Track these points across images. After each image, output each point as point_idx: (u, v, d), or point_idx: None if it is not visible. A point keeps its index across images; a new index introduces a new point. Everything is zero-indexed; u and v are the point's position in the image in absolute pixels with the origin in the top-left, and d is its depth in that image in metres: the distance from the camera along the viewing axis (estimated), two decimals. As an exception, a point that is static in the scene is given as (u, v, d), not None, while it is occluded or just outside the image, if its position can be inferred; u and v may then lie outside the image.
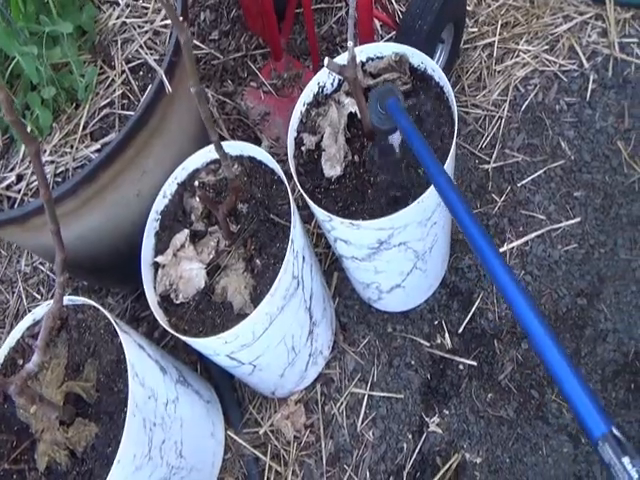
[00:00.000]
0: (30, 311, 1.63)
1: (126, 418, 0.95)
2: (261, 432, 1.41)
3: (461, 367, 1.43)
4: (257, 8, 1.65)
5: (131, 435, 0.96)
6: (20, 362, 1.07)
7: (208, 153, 1.18)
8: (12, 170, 1.13)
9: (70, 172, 1.09)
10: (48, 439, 0.96)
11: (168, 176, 1.16)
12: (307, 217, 1.61)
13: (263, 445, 1.41)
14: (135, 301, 1.64)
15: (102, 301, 1.11)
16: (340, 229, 1.11)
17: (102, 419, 0.99)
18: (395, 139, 1.08)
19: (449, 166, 1.10)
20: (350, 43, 0.97)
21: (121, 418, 0.98)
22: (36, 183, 1.09)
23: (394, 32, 1.72)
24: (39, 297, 1.74)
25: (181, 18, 0.67)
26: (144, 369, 1.04)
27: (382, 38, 1.81)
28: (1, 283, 1.79)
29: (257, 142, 1.70)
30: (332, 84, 1.20)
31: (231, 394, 1.45)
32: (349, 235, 1.13)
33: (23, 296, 1.75)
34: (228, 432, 1.42)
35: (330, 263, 1.58)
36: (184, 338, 1.03)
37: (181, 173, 1.18)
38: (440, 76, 1.14)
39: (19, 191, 1.10)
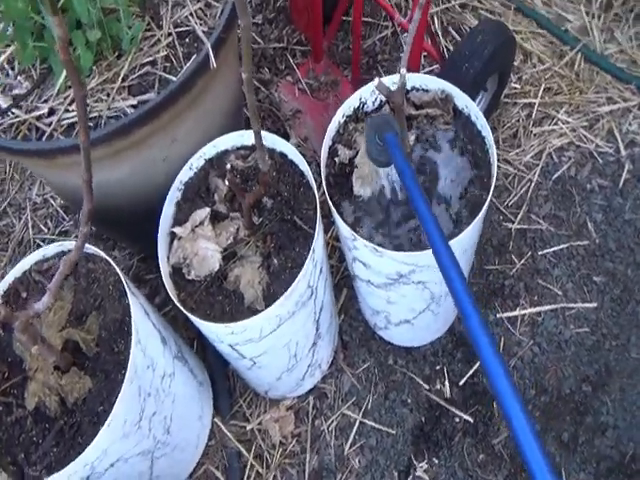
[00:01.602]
0: (35, 242, 1.57)
1: (124, 382, 0.86)
2: (248, 428, 1.30)
3: (457, 420, 1.29)
4: (305, 4, 1.52)
5: (125, 400, 0.88)
6: (24, 295, 0.97)
7: (240, 137, 1.09)
8: (45, 102, 1.02)
9: (103, 120, 1.00)
10: (41, 380, 0.87)
11: (196, 149, 1.07)
12: (326, 226, 1.48)
13: (248, 442, 1.29)
14: (141, 261, 1.51)
15: (108, 253, 0.99)
16: (362, 251, 1.02)
17: (98, 376, 0.91)
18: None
19: (479, 220, 0.99)
20: (403, 70, 0.89)
21: (117, 379, 0.90)
22: (67, 120, 1.01)
23: (436, 65, 1.60)
24: (45, 230, 1.60)
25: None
26: (147, 337, 0.96)
27: (423, 68, 1.70)
28: (9, 206, 1.66)
29: (285, 136, 1.55)
30: (373, 102, 1.11)
31: (224, 381, 1.34)
32: (370, 259, 1.04)
33: (29, 225, 1.61)
34: (215, 419, 1.31)
35: (341, 278, 1.46)
36: (192, 317, 0.94)
37: (210, 150, 1.08)
38: (483, 125, 1.05)
39: (50, 124, 1.00)
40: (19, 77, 1.05)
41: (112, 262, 0.97)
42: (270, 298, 0.97)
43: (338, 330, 1.39)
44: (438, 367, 1.35)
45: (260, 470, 1.26)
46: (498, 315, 1.39)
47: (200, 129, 1.10)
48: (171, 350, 1.07)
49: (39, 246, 1.54)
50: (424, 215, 0.72)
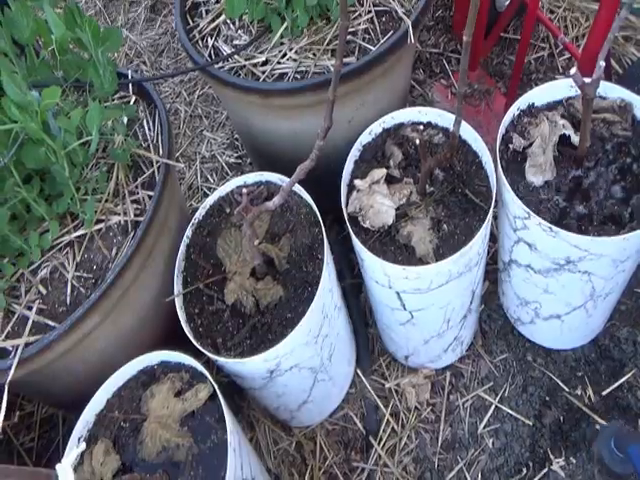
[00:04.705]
0: (202, 189, 1.64)
1: (316, 293, 0.86)
2: (386, 386, 1.24)
3: (597, 427, 1.12)
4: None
5: (314, 310, 0.87)
6: (227, 210, 1.02)
7: (417, 113, 1.08)
8: (261, 53, 1.09)
9: (309, 74, 1.04)
10: (238, 281, 0.90)
11: (377, 117, 1.07)
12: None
13: (385, 399, 1.23)
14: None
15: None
16: (533, 231, 0.95)
17: (287, 288, 0.92)
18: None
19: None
20: (602, 63, 0.84)
21: (304, 295, 0.91)
22: (279, 70, 1.07)
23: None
24: (211, 180, 1.63)
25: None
26: (329, 265, 0.95)
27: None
28: (182, 157, 1.71)
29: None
30: (547, 102, 1.04)
31: (365, 339, 1.29)
32: (539, 241, 0.96)
33: (198, 175, 1.65)
34: (357, 369, 1.26)
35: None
36: (371, 255, 0.92)
37: (389, 120, 1.09)
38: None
39: (264, 72, 1.07)
40: (239, 31, 1.15)
41: (305, 194, 0.98)
42: (440, 258, 0.93)
43: (479, 317, 1.30)
44: (579, 374, 1.20)
45: (395, 427, 1.19)
46: (648, 337, 1.21)
47: (384, 99, 1.11)
48: (339, 289, 1.07)
49: (205, 194, 1.63)
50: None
